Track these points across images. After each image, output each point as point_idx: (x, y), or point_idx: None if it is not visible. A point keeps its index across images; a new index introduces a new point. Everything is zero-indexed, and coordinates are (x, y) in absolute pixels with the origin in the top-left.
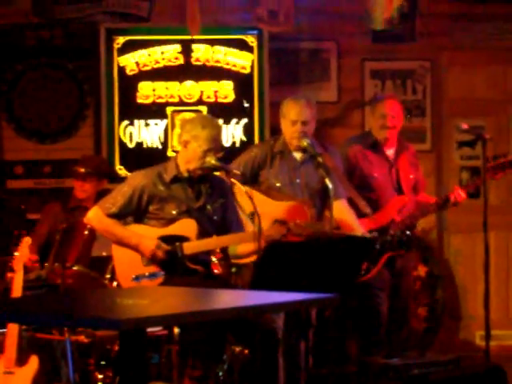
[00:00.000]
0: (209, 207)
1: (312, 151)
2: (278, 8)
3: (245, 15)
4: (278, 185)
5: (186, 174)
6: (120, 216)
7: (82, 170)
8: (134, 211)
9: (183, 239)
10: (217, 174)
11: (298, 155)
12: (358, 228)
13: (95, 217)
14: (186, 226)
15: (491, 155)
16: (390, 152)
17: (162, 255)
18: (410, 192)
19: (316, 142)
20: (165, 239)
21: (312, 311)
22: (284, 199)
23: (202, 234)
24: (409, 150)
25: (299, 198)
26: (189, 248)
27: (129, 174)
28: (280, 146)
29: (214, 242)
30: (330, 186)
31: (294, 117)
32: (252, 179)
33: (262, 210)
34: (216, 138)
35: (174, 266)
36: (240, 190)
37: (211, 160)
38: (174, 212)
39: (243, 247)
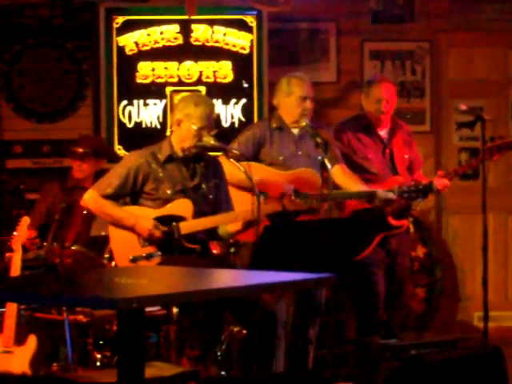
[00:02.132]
0: (204, 186)
1: (311, 131)
2: None
3: None
4: (280, 158)
5: (180, 154)
6: (116, 197)
7: (80, 149)
8: (130, 192)
9: (179, 219)
10: (216, 153)
11: (295, 130)
12: (362, 186)
13: (91, 199)
14: (182, 206)
15: (488, 136)
16: (383, 132)
17: (160, 235)
18: (404, 172)
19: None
20: (161, 219)
21: (321, 296)
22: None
23: (198, 213)
24: (402, 128)
25: (306, 168)
26: (185, 228)
27: (127, 153)
28: (277, 123)
29: (210, 221)
30: (329, 165)
31: (303, 93)
32: (254, 157)
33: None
34: (209, 116)
35: (171, 246)
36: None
37: (210, 140)
38: (168, 192)
39: (234, 225)
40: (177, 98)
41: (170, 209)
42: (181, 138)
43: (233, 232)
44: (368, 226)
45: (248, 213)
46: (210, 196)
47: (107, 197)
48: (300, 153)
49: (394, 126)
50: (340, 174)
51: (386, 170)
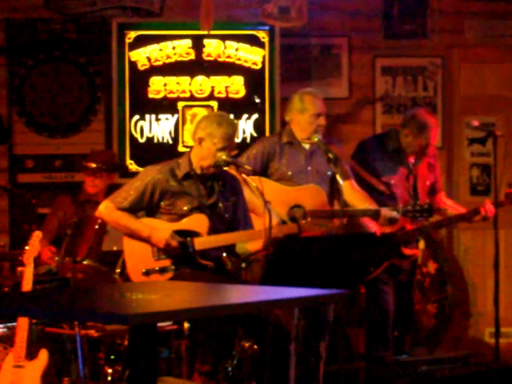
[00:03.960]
0: (220, 205)
1: (323, 147)
2: (291, 3)
3: (256, 11)
4: (289, 173)
5: (198, 171)
6: (131, 210)
7: (93, 165)
8: (146, 206)
9: (194, 234)
10: (227, 169)
11: (306, 145)
12: (370, 203)
13: (106, 210)
14: (198, 222)
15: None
16: (411, 158)
17: (176, 244)
18: (425, 197)
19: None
20: (176, 233)
21: (330, 310)
22: (297, 186)
23: (213, 230)
24: (429, 152)
25: (312, 185)
26: (200, 243)
27: (139, 168)
28: (288, 138)
29: (225, 239)
30: (341, 181)
31: (317, 110)
32: (262, 172)
33: (279, 198)
34: (231, 137)
35: (184, 261)
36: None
37: (222, 155)
38: (185, 208)
39: (253, 244)
40: (189, 113)
41: (185, 223)
42: (200, 156)
43: (252, 251)
44: (380, 248)
45: (262, 232)
46: (226, 215)
47: (122, 209)
48: (309, 168)
49: (422, 152)
50: (348, 190)
51: (406, 195)
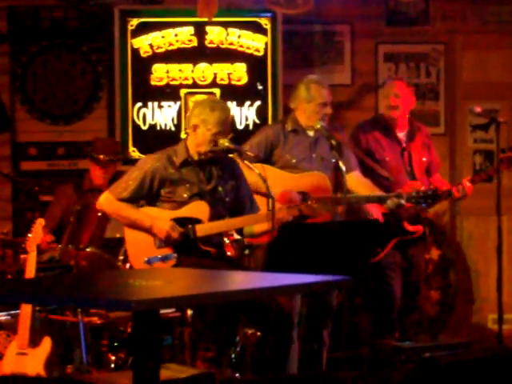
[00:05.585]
0: (220, 189)
1: (326, 133)
2: None
3: None
4: (293, 161)
5: (196, 157)
6: (132, 200)
7: (103, 157)
8: (146, 195)
9: (195, 221)
10: (230, 155)
11: (310, 132)
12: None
13: (106, 201)
14: (198, 208)
15: (508, 147)
16: (402, 135)
17: (177, 236)
18: (422, 176)
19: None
20: (177, 221)
21: (333, 296)
22: (301, 173)
23: (214, 216)
24: (421, 131)
25: (316, 171)
26: (201, 230)
27: (142, 156)
28: (292, 125)
29: (226, 224)
30: (344, 168)
31: (323, 99)
32: (266, 159)
33: (283, 185)
34: (225, 121)
35: (186, 248)
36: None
37: (224, 142)
38: (185, 195)
39: (259, 226)
40: (191, 100)
41: (186, 211)
42: (196, 142)
43: (258, 232)
44: (384, 230)
45: (264, 216)
46: (227, 199)
47: (123, 200)
48: (314, 155)
49: (412, 129)
50: (355, 181)
51: (402, 172)
